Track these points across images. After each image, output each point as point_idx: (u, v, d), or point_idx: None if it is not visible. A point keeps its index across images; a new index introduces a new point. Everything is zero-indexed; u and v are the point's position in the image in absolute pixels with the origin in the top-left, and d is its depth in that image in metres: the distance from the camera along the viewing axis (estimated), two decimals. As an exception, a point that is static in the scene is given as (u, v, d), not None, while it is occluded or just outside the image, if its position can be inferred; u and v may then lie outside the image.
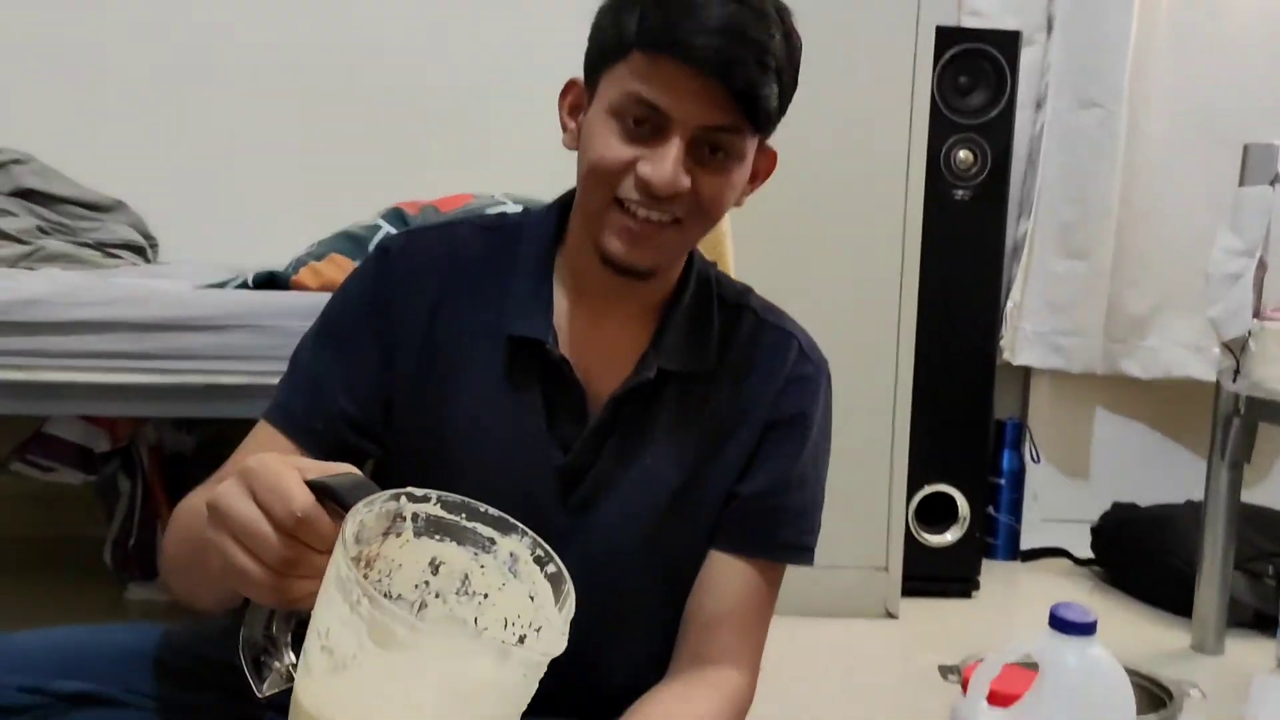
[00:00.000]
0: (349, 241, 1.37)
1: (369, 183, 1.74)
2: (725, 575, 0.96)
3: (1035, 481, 2.47)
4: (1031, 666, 1.19)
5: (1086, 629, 1.07)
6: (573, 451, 0.92)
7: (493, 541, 0.64)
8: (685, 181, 0.84)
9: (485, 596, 0.65)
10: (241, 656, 0.68)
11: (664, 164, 0.83)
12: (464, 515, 0.64)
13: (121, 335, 1.24)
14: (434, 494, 0.62)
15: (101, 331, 1.24)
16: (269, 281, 1.34)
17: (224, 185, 2.04)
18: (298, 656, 0.67)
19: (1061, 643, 1.08)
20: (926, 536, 2.11)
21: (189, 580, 0.86)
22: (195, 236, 1.97)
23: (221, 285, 1.35)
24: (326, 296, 1.17)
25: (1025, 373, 2.46)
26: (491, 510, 0.64)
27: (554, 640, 0.61)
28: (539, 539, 0.65)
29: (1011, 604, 2.13)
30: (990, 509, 2.35)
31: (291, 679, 0.68)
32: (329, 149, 2.05)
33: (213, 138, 2.05)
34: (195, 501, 0.86)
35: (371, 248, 1.19)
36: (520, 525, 0.65)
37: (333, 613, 0.57)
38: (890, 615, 1.99)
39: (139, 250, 1.87)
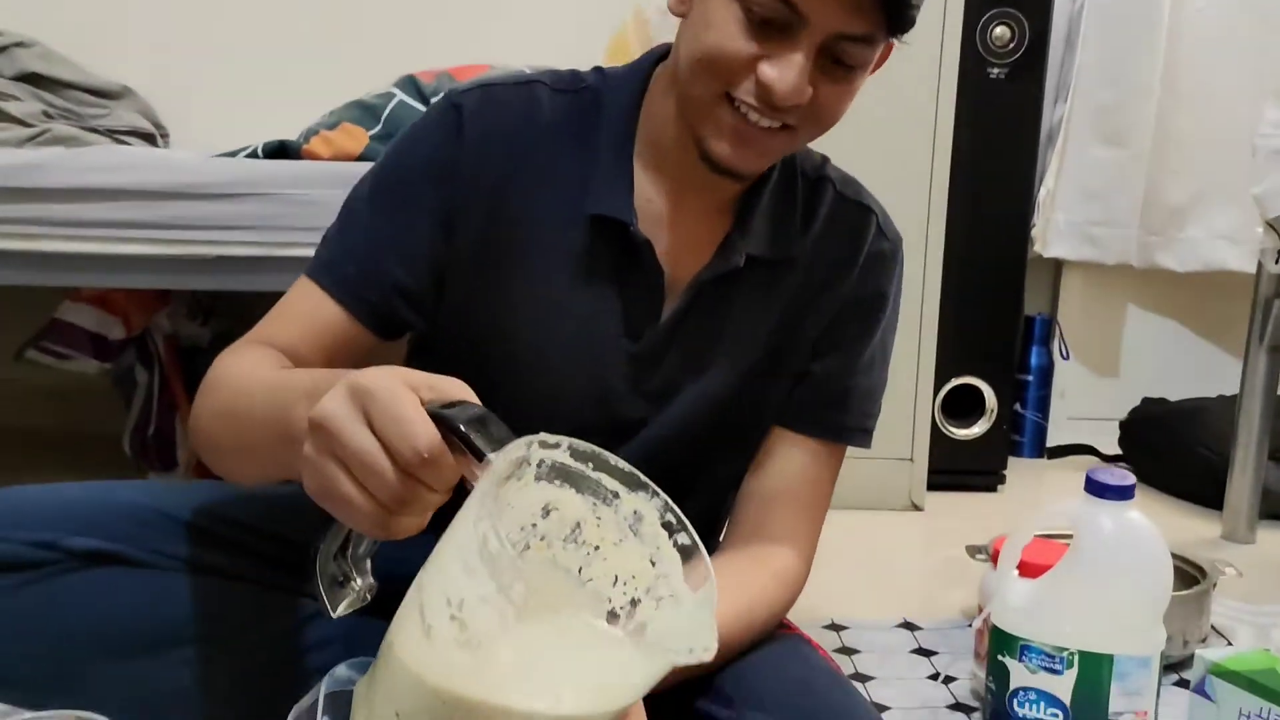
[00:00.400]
0: (361, 110, 1.33)
1: (382, 64, 1.68)
2: (787, 453, 0.95)
3: (1063, 379, 2.42)
4: (1063, 538, 1.17)
5: (1123, 492, 1.04)
6: (646, 339, 0.89)
7: (616, 495, 0.60)
8: (809, 92, 0.79)
9: (596, 549, 0.61)
10: (316, 573, 0.66)
11: (790, 71, 0.77)
12: (591, 465, 0.60)
13: (130, 203, 1.21)
14: (565, 441, 0.59)
15: (110, 199, 1.20)
16: (279, 151, 1.30)
17: (234, 73, 1.98)
18: (373, 576, 0.66)
19: (1097, 507, 1.05)
20: (953, 430, 2.08)
21: (232, 460, 0.82)
22: (206, 126, 1.92)
23: (232, 155, 1.31)
24: (338, 166, 1.14)
25: (1056, 267, 2.40)
26: (623, 464, 0.60)
27: (696, 633, 0.57)
28: (671, 503, 0.61)
29: (1037, 498, 2.10)
30: (1017, 406, 2.31)
31: (366, 601, 0.66)
32: (340, 30, 1.98)
33: (221, 23, 1.98)
34: (238, 372, 0.82)
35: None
36: (652, 485, 0.61)
37: (472, 586, 0.54)
38: (916, 507, 1.96)
39: (148, 137, 1.82)
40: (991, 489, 2.12)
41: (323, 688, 0.65)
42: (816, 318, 0.93)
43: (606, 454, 0.60)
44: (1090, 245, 2.29)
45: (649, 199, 0.89)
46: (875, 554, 1.77)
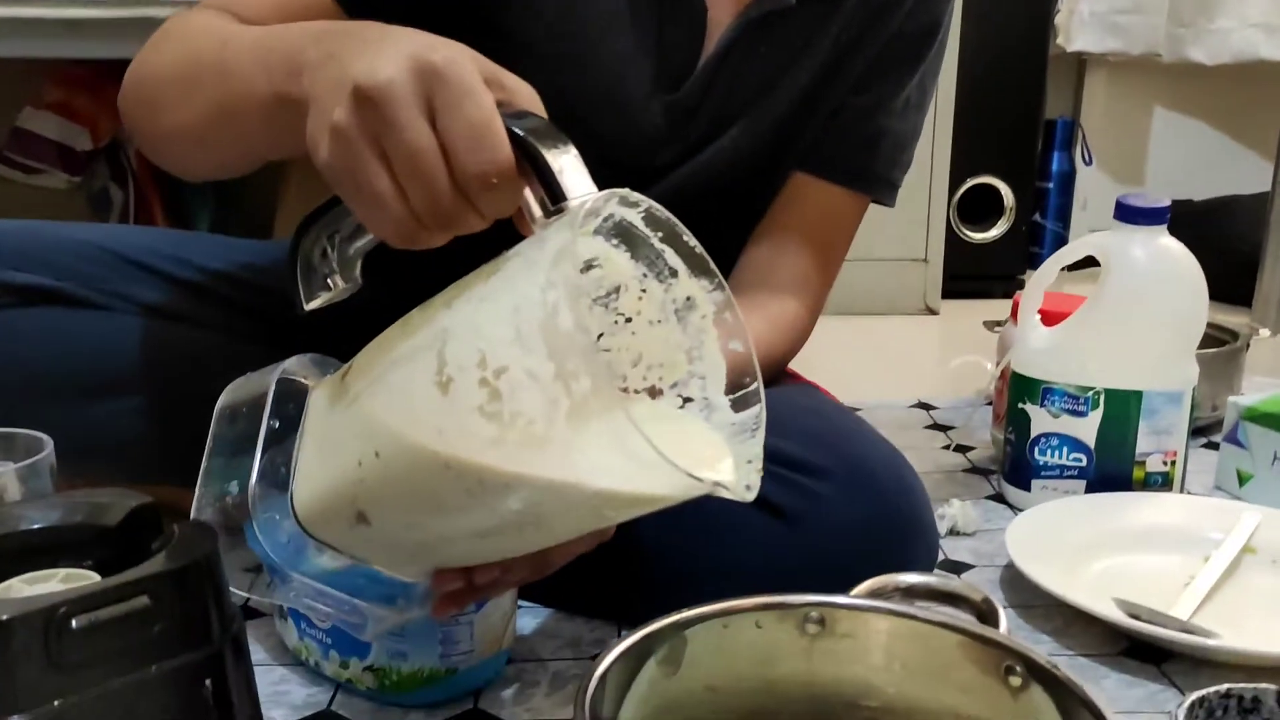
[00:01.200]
0: None
1: None
2: (807, 198, 0.88)
3: (1085, 187, 2.32)
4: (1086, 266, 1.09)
5: (1156, 216, 0.96)
6: (686, 86, 0.81)
7: (674, 274, 0.51)
8: None
9: (627, 320, 0.52)
10: (298, 257, 0.56)
11: None
12: (660, 234, 0.50)
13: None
14: (646, 203, 0.49)
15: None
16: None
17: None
18: (358, 275, 0.57)
19: (1128, 235, 0.97)
20: (969, 234, 1.99)
21: (184, 137, 0.68)
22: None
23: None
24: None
25: (1079, 67, 2.27)
26: (696, 245, 0.51)
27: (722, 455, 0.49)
28: (737, 306, 0.52)
29: (1058, 305, 2.02)
30: (1037, 216, 2.21)
31: (343, 298, 0.57)
32: None
33: None
34: (203, 24, 0.68)
35: None
36: (720, 278, 0.51)
37: (521, 358, 0.44)
38: (930, 311, 1.89)
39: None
40: (1008, 295, 2.03)
41: (273, 382, 0.58)
42: (862, 54, 0.85)
43: (682, 228, 0.50)
44: (1116, 36, 2.15)
45: None
46: (888, 355, 1.71)
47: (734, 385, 0.52)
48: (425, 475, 0.47)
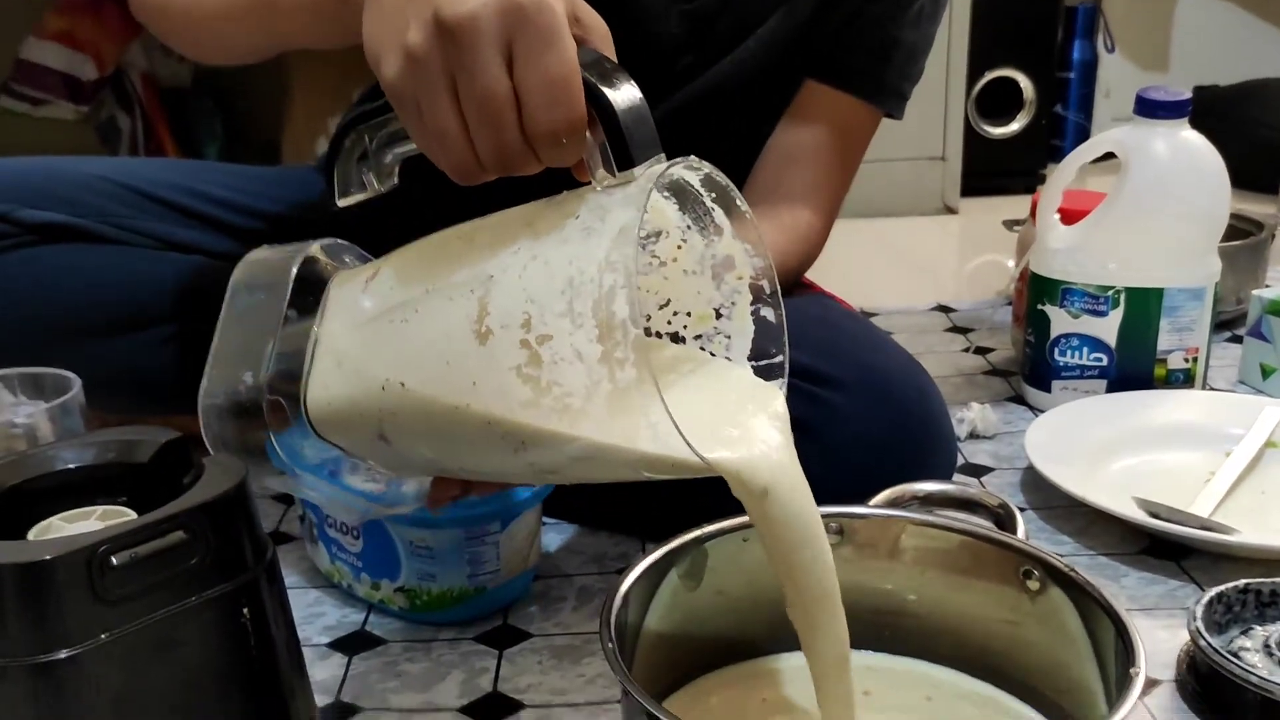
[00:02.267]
0: None
1: None
2: (820, 106, 0.86)
3: (1108, 76, 2.26)
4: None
5: (1177, 109, 0.94)
6: None
7: (719, 232, 0.50)
8: None
9: (661, 264, 0.51)
10: (341, 153, 0.55)
11: None
12: (714, 195, 0.49)
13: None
14: (707, 167, 0.47)
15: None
16: None
17: None
18: (395, 179, 0.55)
19: (1148, 129, 0.95)
20: (988, 129, 1.95)
21: (214, 19, 0.69)
22: None
23: None
24: None
25: (1100, -50, 2.20)
26: (749, 212, 0.50)
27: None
28: (776, 278, 0.51)
29: (1080, 199, 1.99)
30: (1058, 107, 2.16)
31: (372, 195, 0.55)
32: None
33: None
34: None
35: None
36: (765, 247, 0.51)
37: (566, 330, 0.44)
38: (949, 210, 1.87)
39: None
40: (1030, 191, 2.00)
41: (295, 267, 0.54)
42: None
43: (736, 194, 0.49)
44: (1138, -84, 2.08)
45: None
46: (907, 256, 1.69)
47: (760, 353, 0.52)
48: (453, 419, 0.47)
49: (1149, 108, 0.94)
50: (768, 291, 0.52)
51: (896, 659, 0.59)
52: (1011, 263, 1.33)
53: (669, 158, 0.47)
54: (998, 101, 1.95)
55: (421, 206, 0.58)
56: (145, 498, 0.48)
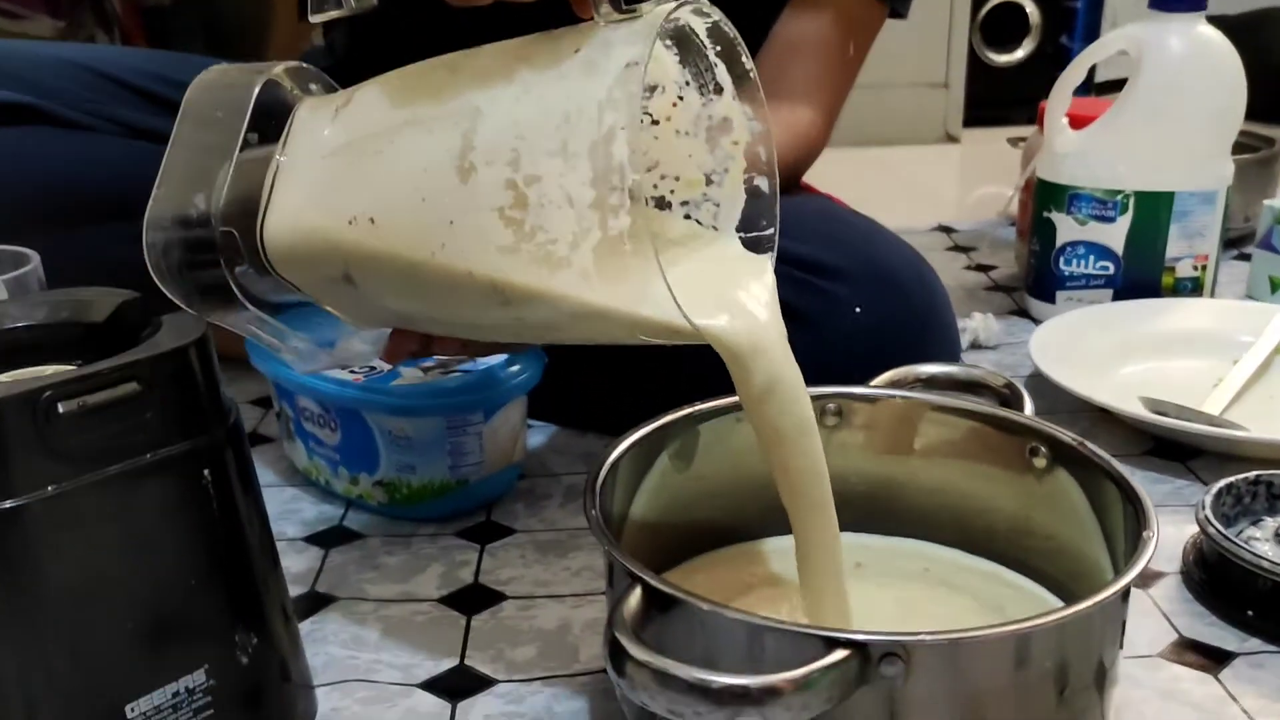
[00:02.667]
0: None
1: None
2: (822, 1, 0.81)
3: (1115, 5, 2.20)
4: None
5: (1194, 2, 0.90)
6: None
7: (719, 91, 0.47)
8: None
9: (654, 123, 0.47)
10: None
11: None
12: (719, 49, 0.46)
13: None
14: (717, 14, 0.44)
15: None
16: None
17: None
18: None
19: (1163, 24, 0.91)
20: (992, 56, 1.91)
21: None
22: None
23: None
24: None
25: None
26: (753, 71, 0.46)
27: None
28: (773, 139, 0.48)
29: (1084, 130, 1.95)
30: (1063, 38, 2.12)
31: (347, 13, 0.49)
32: None
33: None
34: None
35: None
36: (767, 112, 0.47)
37: (557, 171, 0.40)
38: (951, 139, 1.83)
39: None
40: (1034, 121, 1.95)
41: (257, 88, 0.50)
42: None
43: (743, 49, 0.46)
44: None
45: None
46: (908, 185, 1.66)
47: (748, 224, 0.49)
48: (425, 262, 0.44)
49: (1164, 2, 0.90)
50: (764, 159, 0.49)
51: (894, 539, 0.57)
52: (1019, 145, 1.29)
53: None
54: (1002, 28, 1.91)
55: (403, 48, 0.54)
56: (101, 359, 0.46)
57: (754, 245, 0.50)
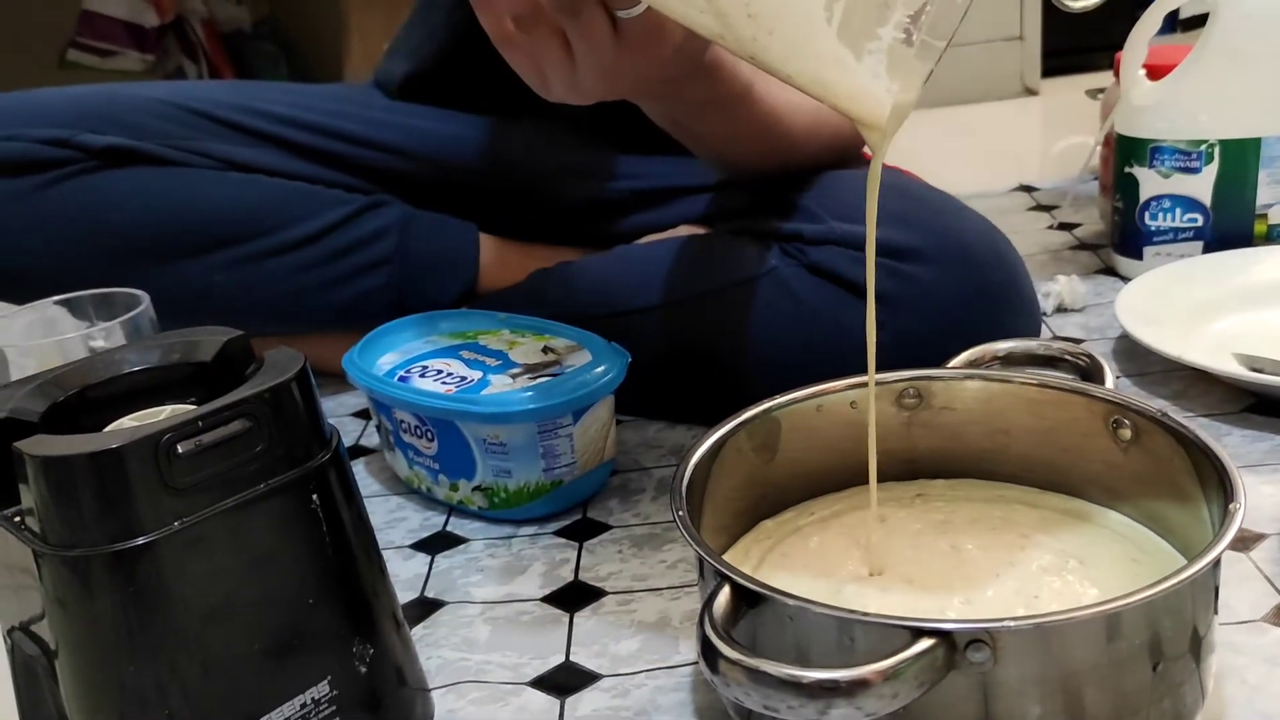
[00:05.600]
0: None
1: None
2: None
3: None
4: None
5: (1272, -61, 0.87)
6: None
7: None
8: None
9: None
10: None
11: None
12: None
13: None
14: None
15: None
16: None
17: None
18: None
19: (1239, -32, 0.88)
20: (1068, 3, 1.85)
21: None
22: None
23: None
24: None
25: None
26: None
27: None
28: None
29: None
30: (1143, -24, 2.04)
31: None
32: None
33: None
34: None
35: None
36: None
37: None
38: (1030, 92, 1.79)
39: None
40: (1113, 66, 1.90)
41: None
42: None
43: None
44: None
45: None
46: (987, 143, 1.63)
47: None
48: None
49: (1238, -57, 0.87)
50: None
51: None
52: (1098, 98, 1.26)
53: None
54: (1077, -27, 1.85)
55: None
56: (213, 395, 0.49)
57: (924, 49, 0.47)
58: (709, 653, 0.39)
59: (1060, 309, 0.94)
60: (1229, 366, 0.74)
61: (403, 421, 0.73)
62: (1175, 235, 0.94)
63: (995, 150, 1.58)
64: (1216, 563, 0.43)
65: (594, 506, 0.73)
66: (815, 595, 0.42)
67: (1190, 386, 0.78)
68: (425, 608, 0.64)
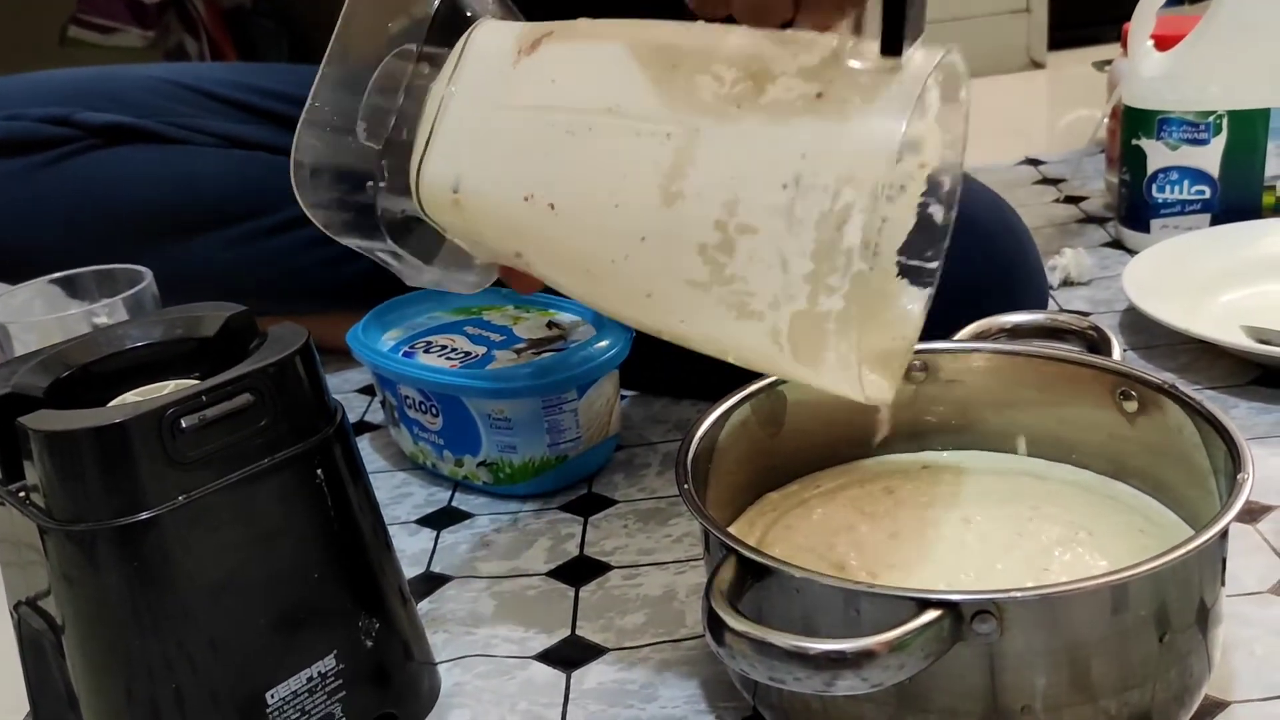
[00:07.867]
0: None
1: None
2: None
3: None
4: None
5: (1282, -94, 0.86)
6: None
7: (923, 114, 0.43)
8: None
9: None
10: None
11: None
12: (943, 75, 0.42)
13: None
14: (959, 51, 0.42)
15: None
16: None
17: None
18: None
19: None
20: (1074, -26, 1.84)
21: None
22: None
23: None
24: None
25: None
26: (968, 101, 0.44)
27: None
28: (961, 170, 0.46)
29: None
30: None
31: None
32: None
33: None
34: None
35: None
36: (964, 143, 0.46)
37: (783, 238, 0.37)
38: (1036, 65, 1.77)
39: None
40: (1119, 39, 1.89)
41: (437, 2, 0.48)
42: None
43: (967, 79, 0.44)
44: None
45: None
46: (992, 117, 1.61)
47: (911, 251, 0.47)
48: (596, 264, 0.42)
49: (1248, -91, 0.86)
50: (945, 189, 0.46)
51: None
52: (1105, 69, 1.25)
53: None
54: (1083, -56, 1.84)
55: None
56: (216, 370, 0.48)
57: (913, 273, 0.47)
58: (715, 625, 0.39)
59: (1067, 282, 0.93)
60: (1236, 339, 0.74)
61: (407, 397, 0.73)
62: (1183, 208, 0.94)
63: (1002, 123, 1.57)
64: (1224, 534, 0.43)
65: (599, 481, 0.73)
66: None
67: (1197, 359, 0.78)
68: (431, 583, 0.64)
